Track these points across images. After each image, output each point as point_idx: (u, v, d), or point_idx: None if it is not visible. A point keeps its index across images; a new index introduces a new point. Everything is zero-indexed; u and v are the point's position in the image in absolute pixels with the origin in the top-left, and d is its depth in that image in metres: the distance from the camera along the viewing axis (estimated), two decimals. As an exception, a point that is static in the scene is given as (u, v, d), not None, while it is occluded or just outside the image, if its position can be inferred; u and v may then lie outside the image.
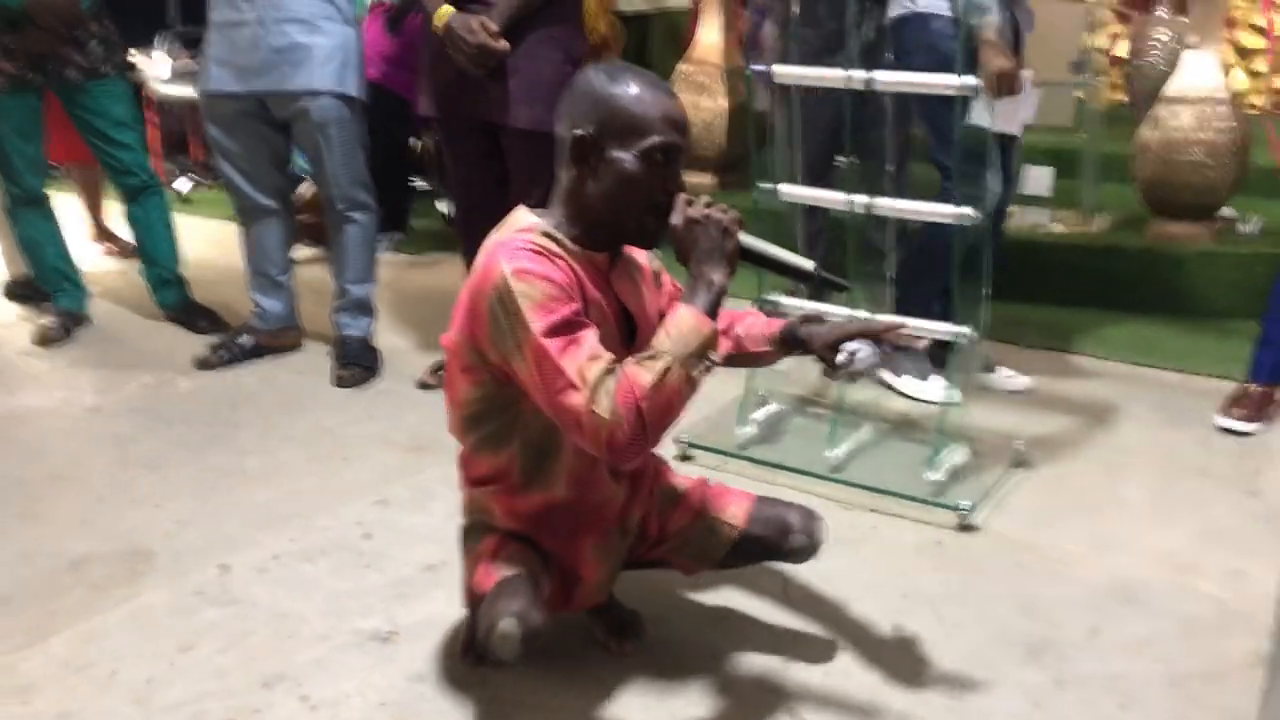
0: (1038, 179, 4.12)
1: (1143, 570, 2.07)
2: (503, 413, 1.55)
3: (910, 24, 2.74)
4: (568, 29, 2.76)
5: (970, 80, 2.19)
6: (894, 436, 2.69)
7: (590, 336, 1.42)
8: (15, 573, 2.06)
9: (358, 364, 3.08)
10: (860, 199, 2.39)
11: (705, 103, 4.69)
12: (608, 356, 1.41)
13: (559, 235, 1.52)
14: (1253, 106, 5.87)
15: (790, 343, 1.73)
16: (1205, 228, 3.84)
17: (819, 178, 3.28)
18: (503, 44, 2.58)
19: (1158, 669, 1.76)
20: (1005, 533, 2.22)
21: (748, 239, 1.52)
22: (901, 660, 1.79)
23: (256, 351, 3.23)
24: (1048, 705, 1.68)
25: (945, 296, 2.60)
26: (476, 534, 1.67)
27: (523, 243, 1.47)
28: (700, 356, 1.41)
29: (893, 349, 2.97)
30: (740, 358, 1.78)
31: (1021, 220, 4.10)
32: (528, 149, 2.74)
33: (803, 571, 1.98)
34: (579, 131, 1.49)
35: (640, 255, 1.71)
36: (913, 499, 2.30)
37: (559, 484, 1.59)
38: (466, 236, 2.97)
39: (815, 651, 1.81)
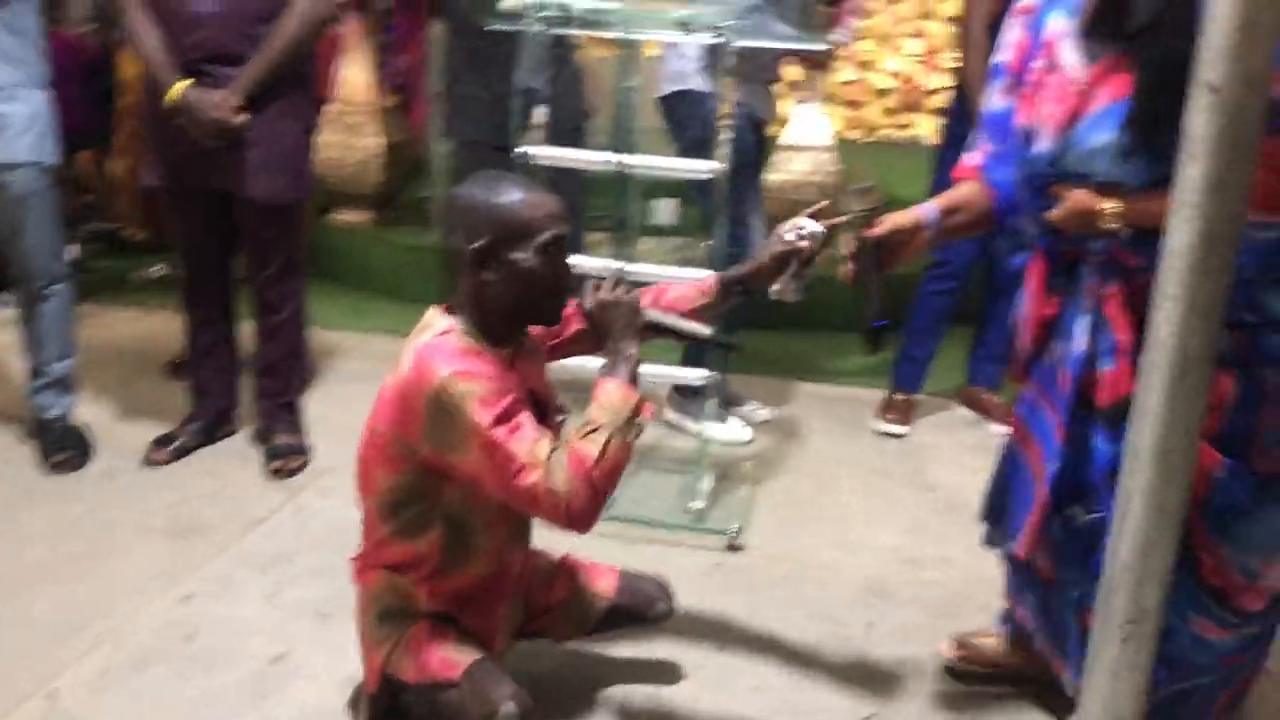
0: (665, 210, 4.60)
1: (882, 567, 2.53)
2: (423, 498, 1.67)
3: (687, 100, 3.00)
4: (305, 100, 2.77)
5: (715, 164, 2.52)
6: (643, 469, 2.98)
7: (529, 421, 1.59)
8: None
9: (70, 447, 2.87)
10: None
11: (359, 142, 4.69)
12: (549, 435, 1.59)
13: (474, 335, 1.65)
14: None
15: (730, 284, 1.91)
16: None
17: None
18: (244, 117, 2.56)
19: (927, 650, 2.20)
20: (765, 549, 2.60)
21: (652, 313, 1.75)
22: (735, 671, 2.10)
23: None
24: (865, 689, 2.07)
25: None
26: (394, 620, 1.75)
27: (453, 345, 1.60)
28: (631, 423, 1.61)
29: (681, 395, 3.23)
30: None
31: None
32: (265, 219, 2.74)
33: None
34: (477, 244, 1.62)
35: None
36: (685, 528, 2.62)
37: (482, 560, 1.73)
38: (192, 304, 2.89)
39: (655, 674, 2.08)
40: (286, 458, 2.85)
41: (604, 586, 1.98)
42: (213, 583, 2.34)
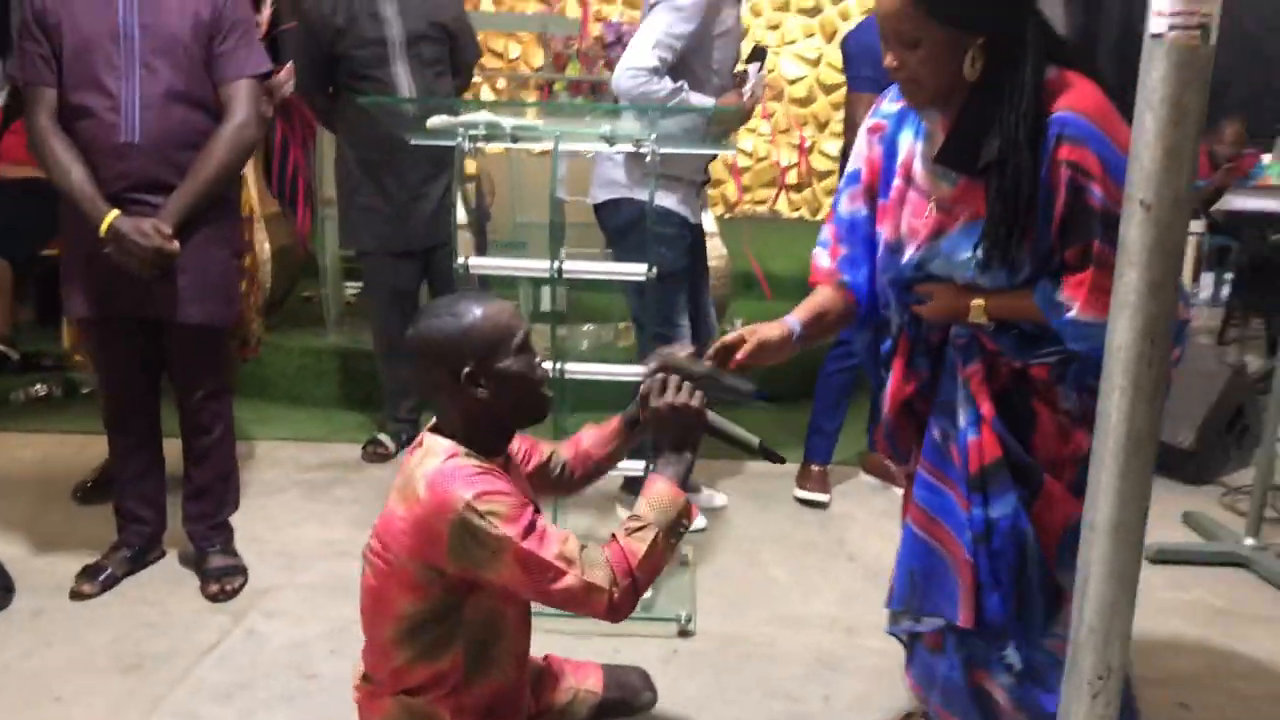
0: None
1: (827, 640, 2.67)
2: (444, 619, 1.71)
3: (621, 206, 3.06)
4: (231, 225, 2.80)
5: (643, 268, 2.64)
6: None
7: (550, 525, 1.67)
8: None
9: (-7, 586, 2.78)
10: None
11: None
12: (571, 533, 1.68)
13: (474, 453, 1.72)
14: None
15: (630, 422, 2.02)
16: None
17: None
18: (175, 245, 2.57)
19: (877, 717, 2.33)
20: (713, 632, 2.70)
21: (713, 418, 1.85)
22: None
23: None
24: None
25: None
26: None
27: (466, 468, 1.67)
28: (678, 524, 1.73)
29: (631, 489, 3.25)
30: (597, 467, 2.08)
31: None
32: (196, 344, 2.74)
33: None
34: (466, 369, 1.71)
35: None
36: (635, 618, 2.69)
37: (506, 667, 1.80)
38: (120, 432, 2.85)
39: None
40: (224, 580, 2.82)
41: (592, 683, 2.08)
42: (177, 719, 2.30)
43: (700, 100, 2.89)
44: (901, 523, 2.06)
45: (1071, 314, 1.71)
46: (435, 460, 1.69)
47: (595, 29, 4.37)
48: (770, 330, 1.91)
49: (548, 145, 2.60)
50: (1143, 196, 1.42)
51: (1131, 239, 1.42)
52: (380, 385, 4.03)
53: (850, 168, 2.00)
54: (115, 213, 2.53)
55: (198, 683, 2.43)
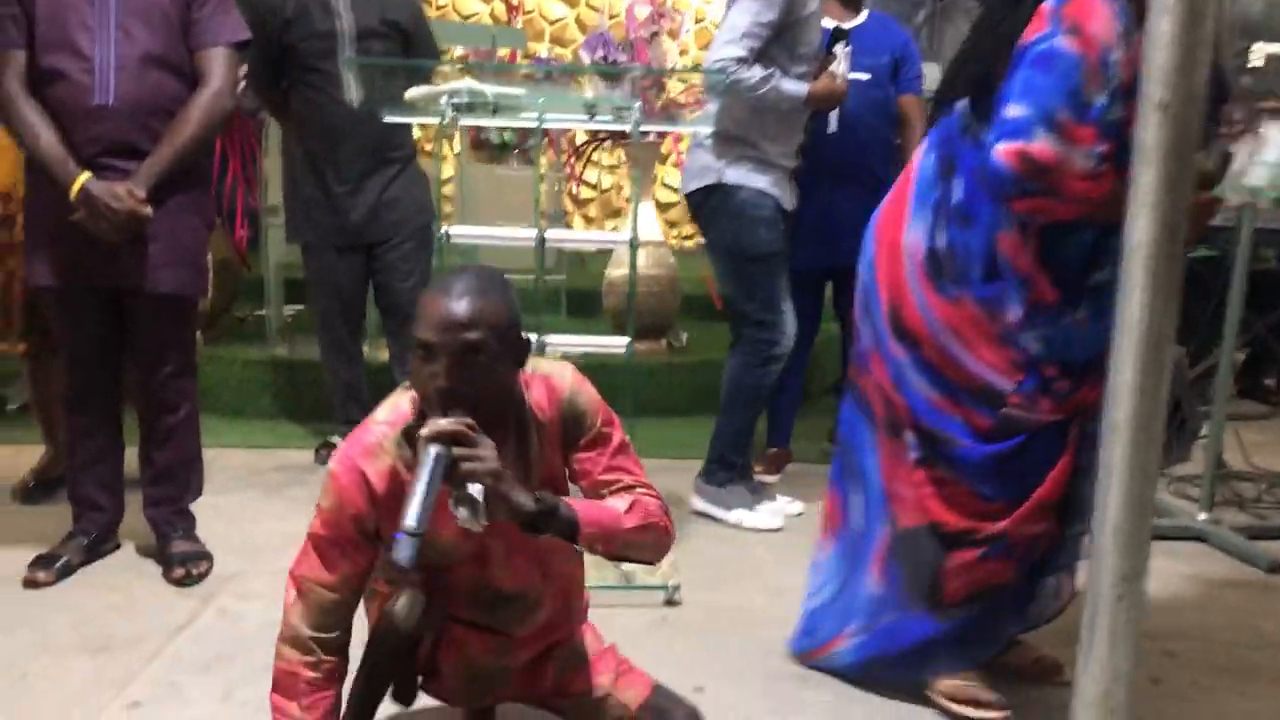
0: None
1: (813, 606, 2.67)
2: None
3: (716, 193, 3.04)
4: (202, 194, 2.74)
5: (623, 237, 2.65)
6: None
7: None
8: None
9: (-65, 577, 2.63)
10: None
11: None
12: None
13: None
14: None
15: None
16: (658, 344, 4.72)
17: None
18: (148, 209, 2.51)
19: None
20: (701, 601, 2.68)
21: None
22: (724, 706, 2.17)
23: None
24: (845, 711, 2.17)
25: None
26: None
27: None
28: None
29: (710, 482, 3.24)
30: None
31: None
32: (165, 314, 2.66)
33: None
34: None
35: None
36: (625, 588, 2.67)
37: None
38: (78, 411, 2.73)
39: None
40: (189, 564, 2.71)
41: (630, 698, 1.86)
42: (156, 689, 2.19)
43: (792, 86, 2.94)
44: None
45: None
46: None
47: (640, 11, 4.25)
48: None
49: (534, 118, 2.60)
50: (1160, 97, 1.48)
51: (1149, 140, 1.48)
52: (326, 393, 3.92)
53: None
54: (87, 174, 2.46)
55: (174, 656, 2.33)
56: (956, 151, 2.03)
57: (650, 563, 1.81)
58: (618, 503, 1.69)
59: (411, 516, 1.45)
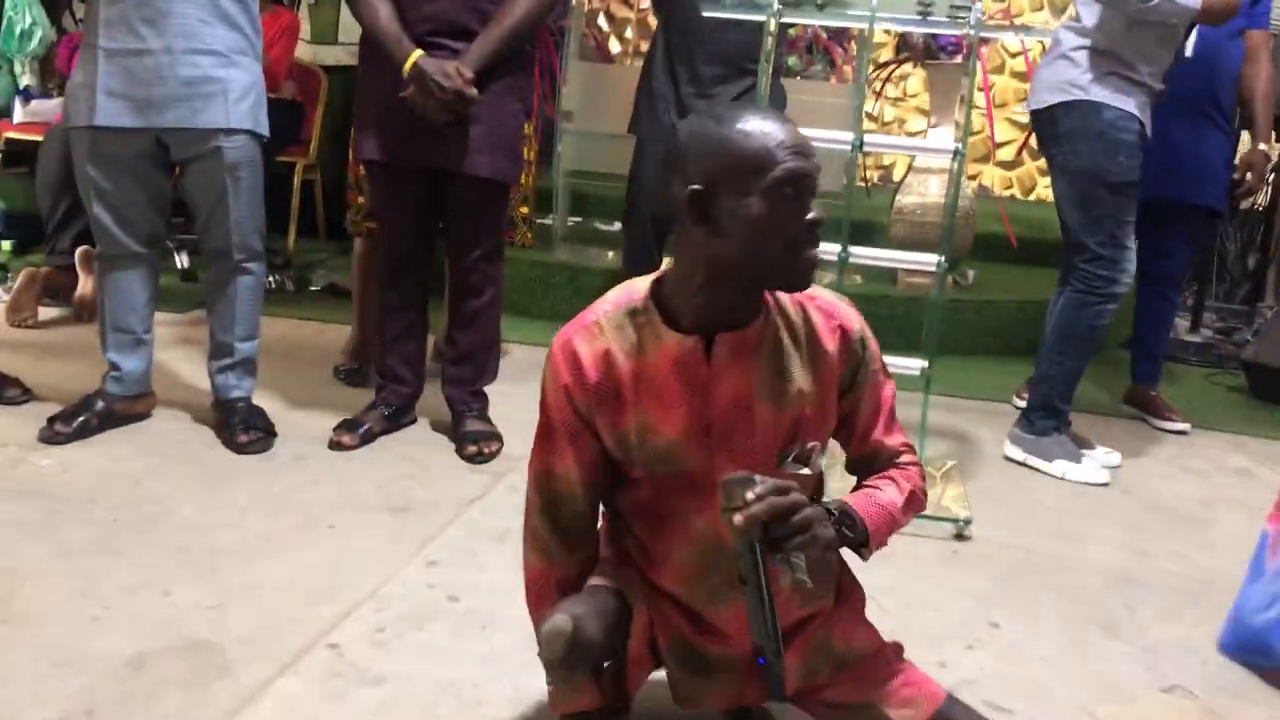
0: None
1: (1118, 558, 2.49)
2: None
3: (1077, 110, 2.84)
4: (525, 79, 2.79)
5: (948, 147, 2.51)
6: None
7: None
8: (67, 685, 1.72)
9: (256, 428, 2.80)
10: (839, 248, 2.61)
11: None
12: None
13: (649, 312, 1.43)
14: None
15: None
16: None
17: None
18: (474, 90, 2.55)
19: (1201, 630, 2.15)
20: (992, 539, 2.54)
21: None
22: (1016, 644, 2.04)
23: (110, 420, 2.83)
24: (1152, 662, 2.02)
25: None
26: None
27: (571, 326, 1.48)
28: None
29: (1027, 432, 3.07)
30: None
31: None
32: (482, 198, 2.72)
33: (880, 597, 2.03)
34: (694, 187, 1.32)
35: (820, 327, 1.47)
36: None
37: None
38: (392, 286, 2.85)
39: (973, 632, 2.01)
40: (481, 443, 2.80)
41: (906, 715, 1.47)
42: (454, 552, 2.27)
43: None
44: None
45: None
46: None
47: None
48: None
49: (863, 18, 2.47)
50: None
51: None
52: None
53: None
54: (419, 52, 2.53)
55: (469, 524, 2.41)
56: None
57: None
58: (889, 489, 1.47)
59: (759, 636, 1.29)
